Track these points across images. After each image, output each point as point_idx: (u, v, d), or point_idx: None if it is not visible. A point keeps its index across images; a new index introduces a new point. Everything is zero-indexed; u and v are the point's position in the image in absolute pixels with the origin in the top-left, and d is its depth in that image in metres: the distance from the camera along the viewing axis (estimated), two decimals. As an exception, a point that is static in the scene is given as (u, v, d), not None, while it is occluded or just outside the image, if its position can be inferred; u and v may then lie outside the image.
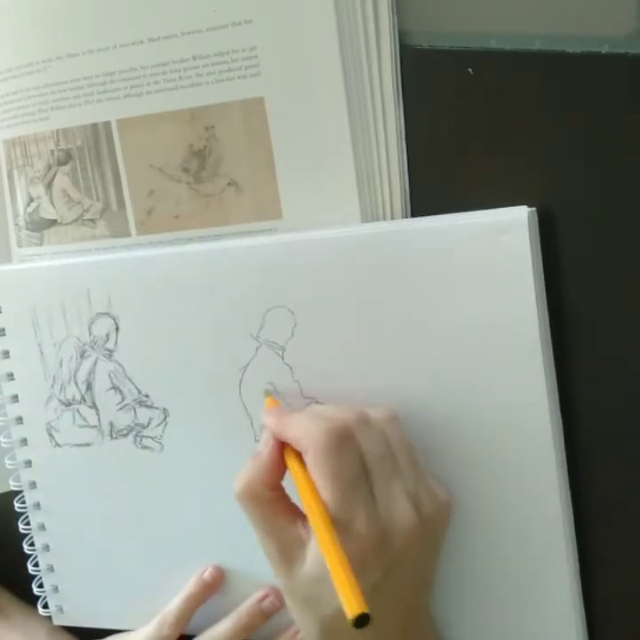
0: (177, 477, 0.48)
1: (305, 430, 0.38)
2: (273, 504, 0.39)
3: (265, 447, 0.40)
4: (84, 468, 0.51)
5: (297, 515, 0.39)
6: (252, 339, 0.44)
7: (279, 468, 0.39)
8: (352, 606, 0.32)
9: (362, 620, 0.32)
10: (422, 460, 0.40)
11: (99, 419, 0.50)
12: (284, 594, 0.40)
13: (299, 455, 0.39)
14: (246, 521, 0.39)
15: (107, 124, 0.47)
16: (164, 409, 0.48)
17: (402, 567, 0.38)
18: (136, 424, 0.49)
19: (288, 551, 0.38)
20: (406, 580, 0.39)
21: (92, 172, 0.48)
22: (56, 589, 0.54)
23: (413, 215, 0.43)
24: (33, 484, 0.52)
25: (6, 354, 0.51)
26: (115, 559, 0.52)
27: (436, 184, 0.42)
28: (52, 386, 0.50)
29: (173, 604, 0.49)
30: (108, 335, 0.48)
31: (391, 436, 0.39)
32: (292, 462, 0.39)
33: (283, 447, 0.40)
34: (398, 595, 0.39)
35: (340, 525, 0.36)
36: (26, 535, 0.53)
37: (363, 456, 0.38)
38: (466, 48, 0.40)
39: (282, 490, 0.40)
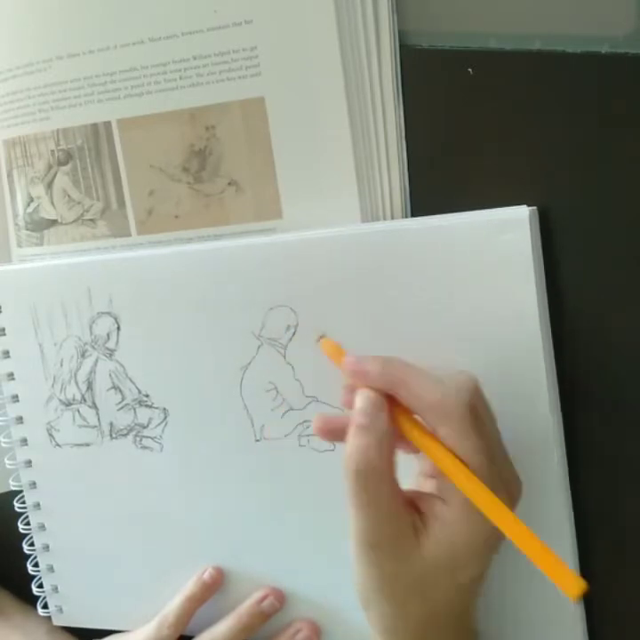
0: (177, 477, 0.48)
1: (437, 399, 0.34)
2: (392, 483, 0.35)
3: (378, 413, 0.35)
4: (84, 468, 0.51)
5: (406, 498, 0.36)
6: (253, 337, 0.44)
7: (395, 437, 0.35)
8: (572, 584, 0.31)
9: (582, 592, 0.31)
10: None
11: (99, 419, 0.50)
12: (370, 582, 0.36)
13: (409, 413, 0.35)
14: (353, 503, 0.35)
15: (107, 124, 0.47)
16: (164, 409, 0.48)
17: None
18: (136, 424, 0.49)
19: (401, 536, 0.35)
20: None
21: (92, 172, 0.48)
22: (56, 589, 0.54)
23: (413, 215, 0.43)
24: (33, 484, 0.52)
25: (6, 354, 0.51)
26: (115, 559, 0.52)
27: (436, 184, 0.42)
28: (53, 386, 0.50)
29: (173, 604, 0.49)
30: (108, 334, 0.48)
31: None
32: (410, 427, 0.35)
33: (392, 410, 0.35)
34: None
35: (498, 493, 0.33)
36: (26, 535, 0.53)
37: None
38: (466, 48, 0.40)
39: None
